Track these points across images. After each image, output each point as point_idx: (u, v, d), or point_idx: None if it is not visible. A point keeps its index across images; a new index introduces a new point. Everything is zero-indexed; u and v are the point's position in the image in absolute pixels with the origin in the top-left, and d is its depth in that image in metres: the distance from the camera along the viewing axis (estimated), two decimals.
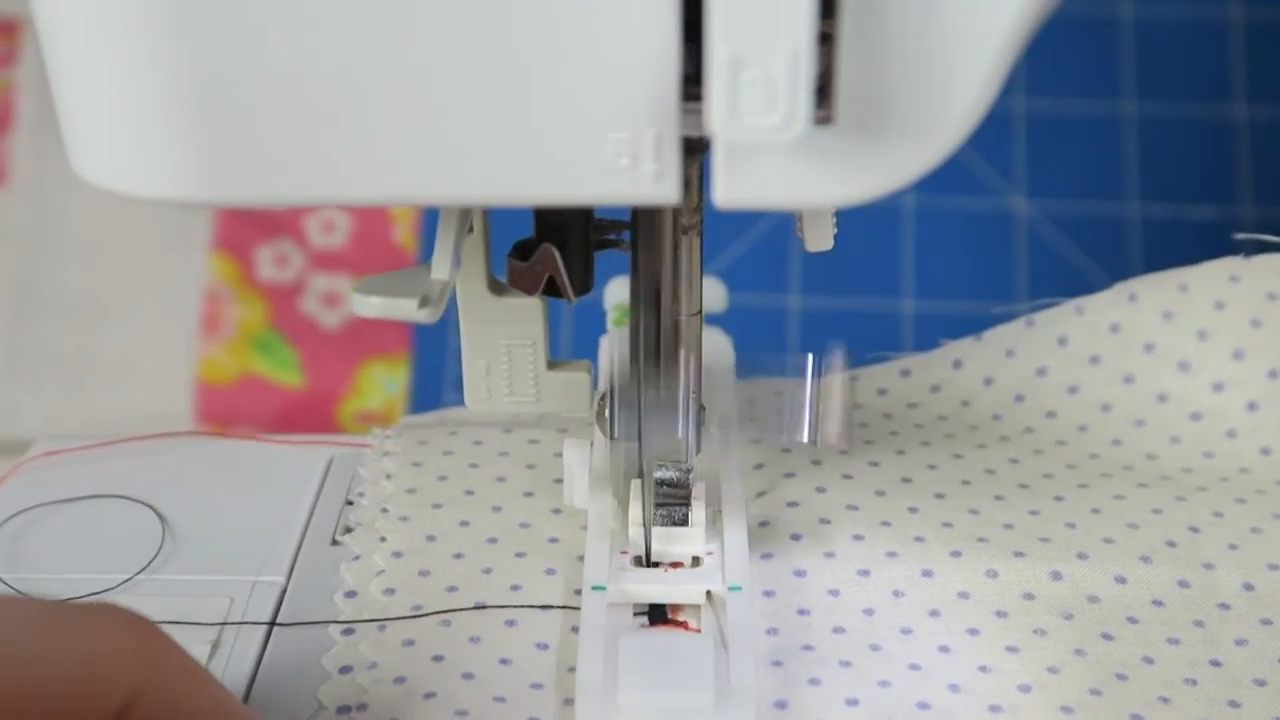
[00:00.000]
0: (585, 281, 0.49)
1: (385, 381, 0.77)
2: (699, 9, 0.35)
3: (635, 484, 0.51)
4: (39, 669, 0.36)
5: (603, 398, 0.52)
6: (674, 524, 0.50)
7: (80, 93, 0.38)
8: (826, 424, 0.51)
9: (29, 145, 0.80)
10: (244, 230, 0.79)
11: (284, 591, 0.52)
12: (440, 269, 0.45)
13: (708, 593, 0.49)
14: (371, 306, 0.44)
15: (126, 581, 0.52)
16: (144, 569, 0.53)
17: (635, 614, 0.49)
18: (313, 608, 0.51)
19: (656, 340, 0.49)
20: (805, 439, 0.51)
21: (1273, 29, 0.79)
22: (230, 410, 0.77)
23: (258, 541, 0.54)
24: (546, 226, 0.48)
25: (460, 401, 0.53)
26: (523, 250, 0.48)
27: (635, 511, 0.50)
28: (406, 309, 0.43)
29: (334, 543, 0.54)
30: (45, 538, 0.55)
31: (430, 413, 0.62)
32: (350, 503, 0.56)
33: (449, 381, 0.76)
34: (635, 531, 0.50)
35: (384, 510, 0.54)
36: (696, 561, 0.50)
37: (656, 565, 0.50)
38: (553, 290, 0.48)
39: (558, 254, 0.47)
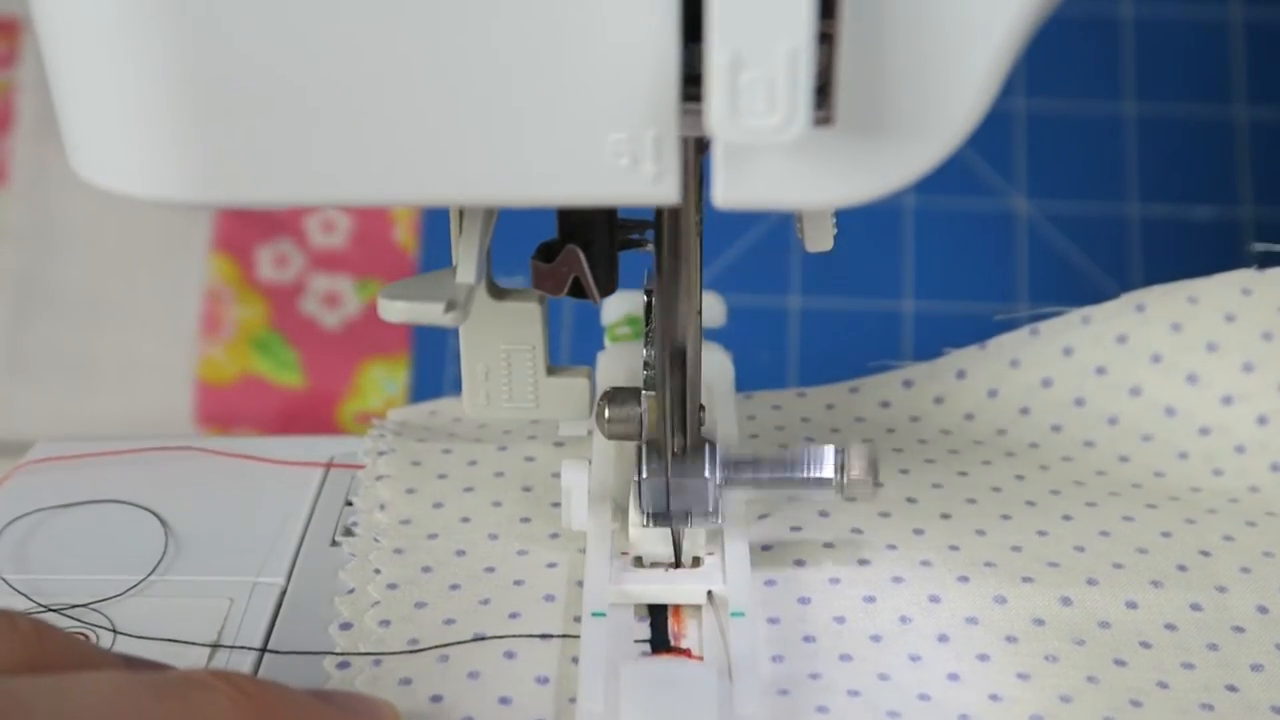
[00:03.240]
0: (610, 282, 0.48)
1: (385, 382, 0.77)
2: (699, 9, 0.35)
3: (635, 484, 0.51)
4: None
5: (601, 398, 0.51)
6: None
7: (79, 93, 0.38)
8: (853, 464, 0.49)
9: (29, 145, 0.80)
10: (244, 230, 0.79)
11: (284, 593, 0.52)
12: (465, 273, 0.45)
13: (709, 593, 0.49)
14: (397, 311, 0.44)
15: (134, 587, 0.52)
16: (152, 572, 0.53)
17: (636, 641, 0.48)
18: (312, 610, 0.51)
19: (682, 355, 0.48)
20: (829, 475, 0.49)
21: (1273, 29, 0.79)
22: (230, 411, 0.77)
23: (258, 543, 0.54)
24: (570, 227, 0.47)
25: (456, 395, 0.53)
26: (547, 252, 0.48)
27: (635, 513, 0.50)
28: (432, 313, 0.43)
29: (333, 543, 0.55)
30: (47, 541, 0.55)
31: (424, 403, 0.62)
32: (350, 503, 0.56)
33: (449, 382, 0.76)
34: (636, 533, 0.50)
35: (376, 541, 0.53)
36: (697, 562, 0.50)
37: (656, 566, 0.50)
38: (577, 291, 0.48)
39: (582, 255, 0.47)
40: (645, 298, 0.50)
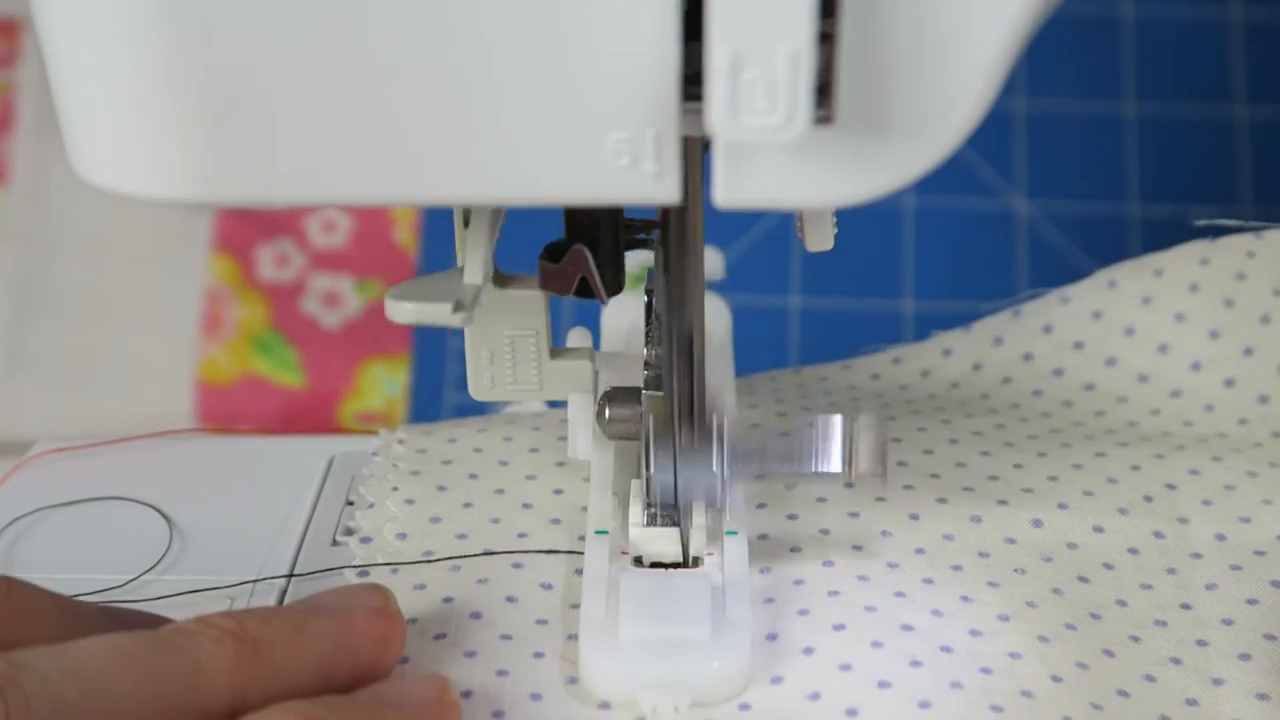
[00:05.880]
0: (617, 281, 0.49)
1: (386, 382, 0.77)
2: (699, 8, 0.35)
3: (635, 484, 0.51)
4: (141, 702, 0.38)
5: (602, 398, 0.52)
6: (673, 524, 0.50)
7: (80, 92, 0.38)
8: (860, 457, 0.49)
9: (29, 145, 0.80)
10: (244, 230, 0.79)
11: (284, 592, 0.52)
12: (473, 273, 0.45)
13: None
14: (406, 312, 0.44)
15: (131, 582, 0.53)
16: (151, 568, 0.53)
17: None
18: None
19: (689, 345, 0.48)
20: (837, 469, 0.49)
21: (1273, 29, 0.79)
22: (231, 411, 0.77)
23: (259, 542, 0.55)
24: (577, 227, 0.48)
25: (460, 409, 0.54)
26: (553, 252, 0.48)
27: (636, 513, 0.50)
28: (440, 314, 0.44)
29: (334, 543, 0.55)
30: (49, 539, 0.55)
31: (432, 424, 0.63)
32: (350, 503, 0.56)
33: (449, 381, 0.76)
34: (636, 533, 0.50)
35: (395, 466, 0.56)
36: (696, 562, 0.50)
37: (657, 566, 0.50)
38: (585, 291, 0.48)
39: (589, 255, 0.47)
40: (646, 298, 0.50)
